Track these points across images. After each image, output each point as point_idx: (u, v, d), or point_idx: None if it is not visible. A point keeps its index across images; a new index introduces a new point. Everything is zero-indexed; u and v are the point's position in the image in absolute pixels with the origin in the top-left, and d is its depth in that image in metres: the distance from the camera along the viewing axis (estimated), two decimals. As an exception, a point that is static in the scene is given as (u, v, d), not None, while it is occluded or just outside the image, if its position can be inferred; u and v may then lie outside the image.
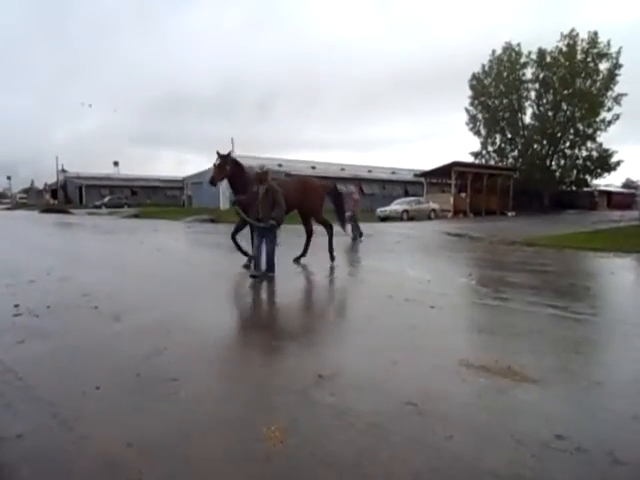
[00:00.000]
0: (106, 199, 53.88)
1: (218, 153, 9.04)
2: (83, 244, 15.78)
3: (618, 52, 41.21)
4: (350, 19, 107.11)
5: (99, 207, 49.40)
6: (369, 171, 51.04)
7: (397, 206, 31.85)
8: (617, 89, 41.62)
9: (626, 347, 5.10)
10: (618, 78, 41.54)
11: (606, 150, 43.50)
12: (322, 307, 7.09)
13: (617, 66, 41.51)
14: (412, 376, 4.09)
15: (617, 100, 41.78)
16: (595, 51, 42.01)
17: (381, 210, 31.46)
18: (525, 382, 3.95)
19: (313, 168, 44.14)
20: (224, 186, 41.17)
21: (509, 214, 37.63)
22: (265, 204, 8.08)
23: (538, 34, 64.47)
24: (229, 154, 9.20)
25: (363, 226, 17.52)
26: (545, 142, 44.87)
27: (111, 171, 65.40)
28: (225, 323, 5.88)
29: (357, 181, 33.18)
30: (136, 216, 32.77)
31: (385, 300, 6.83)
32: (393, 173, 53.26)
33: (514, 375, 4.08)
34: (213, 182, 9.17)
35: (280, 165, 40.89)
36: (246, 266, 9.20)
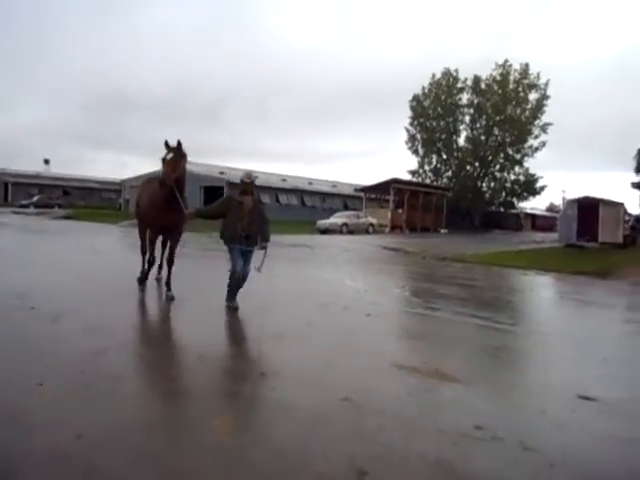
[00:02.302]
0: (35, 198, 50.89)
1: (168, 145, 6.99)
2: (14, 244, 15.03)
3: (546, 84, 44.49)
4: (304, 30, 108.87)
5: (27, 207, 46.61)
6: (310, 183, 51.58)
7: (337, 219, 32.52)
8: (544, 118, 44.85)
9: (538, 354, 5.67)
10: (545, 108, 44.78)
11: (532, 175, 46.59)
12: (264, 313, 7.27)
13: (545, 97, 44.74)
14: (348, 376, 4.38)
15: (544, 128, 44.99)
16: (526, 81, 45.08)
17: (321, 222, 31.96)
18: (450, 382, 4.35)
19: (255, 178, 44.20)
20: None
21: (442, 231, 39.27)
22: (252, 220, 6.61)
23: (475, 61, 68.20)
24: (181, 146, 7.06)
25: (304, 238, 17.84)
26: (477, 164, 47.41)
27: (41, 169, 62.01)
28: (167, 324, 5.94)
29: (298, 192, 33.55)
30: (68, 217, 31.38)
31: (325, 308, 7.12)
32: (334, 186, 54.14)
33: (441, 376, 4.47)
34: (166, 182, 6.77)
35: (222, 173, 40.60)
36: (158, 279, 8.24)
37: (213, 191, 37.55)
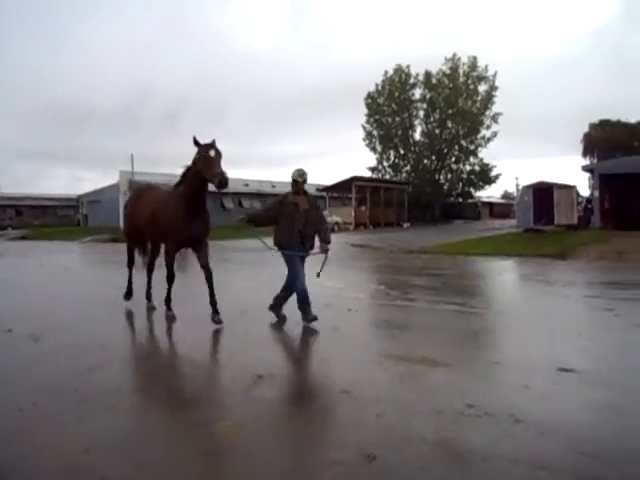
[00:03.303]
0: (-15, 222, 48.86)
1: (198, 142, 5.99)
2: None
3: (494, 75, 45.97)
4: (259, 33, 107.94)
5: (-24, 231, 44.70)
6: (273, 186, 51.51)
7: None
8: (494, 109, 46.31)
9: (514, 333, 5.96)
10: (495, 99, 46.26)
11: (486, 165, 48.01)
12: (248, 316, 7.32)
13: (494, 88, 46.20)
14: (341, 369, 4.51)
15: (494, 119, 46.46)
16: (475, 74, 46.43)
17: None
18: (437, 366, 4.54)
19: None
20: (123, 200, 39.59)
21: (405, 225, 40.00)
22: (309, 222, 6.11)
23: (425, 57, 69.75)
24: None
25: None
26: (434, 158, 48.47)
27: (-9, 191, 59.35)
28: (152, 337, 5.93)
29: (261, 196, 33.49)
30: (24, 238, 30.32)
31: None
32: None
33: (427, 362, 4.66)
34: (222, 182, 5.64)
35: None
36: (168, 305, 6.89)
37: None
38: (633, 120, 49.49)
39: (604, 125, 50.52)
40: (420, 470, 2.83)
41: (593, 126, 51.23)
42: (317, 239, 6.29)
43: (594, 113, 68.12)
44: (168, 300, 6.54)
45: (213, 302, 6.11)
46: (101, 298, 8.24)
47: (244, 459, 2.99)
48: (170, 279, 6.47)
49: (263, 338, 5.73)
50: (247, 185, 47.77)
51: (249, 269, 13.00)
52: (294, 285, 6.07)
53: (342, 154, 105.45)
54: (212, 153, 5.86)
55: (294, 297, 6.12)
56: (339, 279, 10.53)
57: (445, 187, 49.12)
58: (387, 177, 48.14)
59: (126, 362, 5.00)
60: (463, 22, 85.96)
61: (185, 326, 6.22)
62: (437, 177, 48.51)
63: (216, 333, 5.92)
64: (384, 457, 2.93)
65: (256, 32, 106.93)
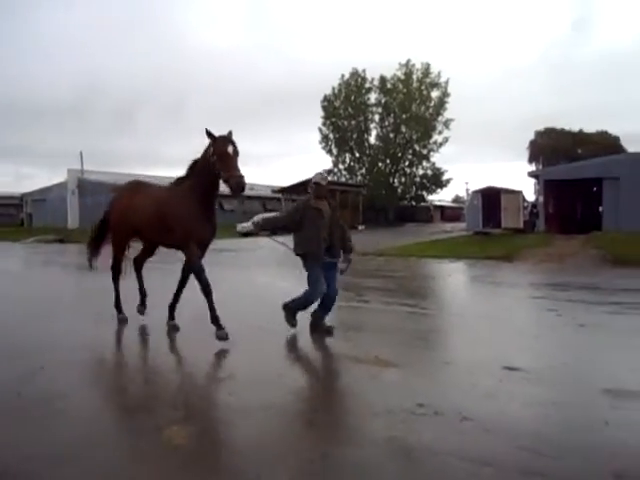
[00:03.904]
0: None
1: (212, 134, 5.31)
2: None
3: (447, 82, 47.23)
4: (218, 32, 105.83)
5: None
6: (251, 189, 50.87)
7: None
8: (446, 115, 47.58)
9: (463, 333, 6.16)
10: (447, 105, 47.53)
11: (438, 169, 49.26)
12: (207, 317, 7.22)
13: (446, 94, 47.47)
14: (297, 372, 4.55)
15: (446, 124, 47.71)
16: (428, 80, 47.56)
17: (242, 226, 31.76)
18: (390, 367, 4.64)
19: (170, 184, 42.74)
20: (74, 200, 37.83)
21: (360, 227, 40.40)
22: (333, 229, 5.78)
23: (381, 62, 70.96)
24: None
25: (227, 242, 17.73)
26: (388, 161, 49.30)
27: None
28: (104, 338, 5.75)
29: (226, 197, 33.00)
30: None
31: (265, 309, 7.21)
32: (251, 189, 53.80)
33: (381, 362, 4.75)
34: (239, 185, 5.07)
35: (134, 180, 38.97)
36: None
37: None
38: (576, 128, 52.13)
39: (549, 133, 52.85)
40: (370, 468, 2.89)
41: (539, 134, 53.49)
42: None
43: (541, 121, 71.24)
44: (215, 318, 5.40)
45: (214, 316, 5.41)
46: (47, 300, 7.94)
47: (187, 463, 2.96)
48: (206, 289, 5.40)
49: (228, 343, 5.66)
50: None
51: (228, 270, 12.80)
52: (312, 297, 5.70)
53: (299, 155, 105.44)
54: (230, 149, 5.18)
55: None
56: (295, 281, 10.54)
57: (399, 190, 50.04)
58: (343, 180, 48.56)
59: (73, 365, 4.83)
60: (418, 29, 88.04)
61: (138, 328, 6.08)
62: (391, 180, 49.35)
63: (169, 335, 5.81)
64: (336, 457, 2.98)
65: (216, 29, 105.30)
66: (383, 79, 48.49)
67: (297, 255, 5.80)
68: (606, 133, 51.20)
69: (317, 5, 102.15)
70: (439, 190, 50.84)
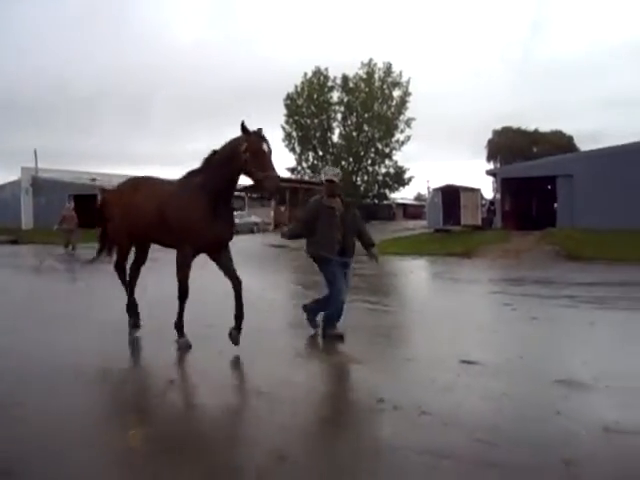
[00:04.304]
0: None
1: (247, 129, 4.85)
2: None
3: (408, 82, 47.94)
4: (184, 26, 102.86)
5: None
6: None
7: None
8: (408, 114, 48.30)
9: (423, 329, 6.29)
10: (408, 104, 48.24)
11: (401, 167, 49.98)
12: (169, 317, 7.09)
13: (407, 94, 48.19)
14: (259, 370, 4.53)
15: (408, 123, 48.49)
16: (390, 80, 48.17)
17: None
18: (352, 363, 4.70)
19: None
20: (28, 200, 36.40)
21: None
22: (350, 228, 5.55)
23: (343, 60, 71.17)
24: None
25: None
26: (351, 160, 49.67)
27: None
28: (60, 341, 5.57)
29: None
30: None
31: (225, 308, 7.14)
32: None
33: (342, 359, 4.80)
34: (277, 190, 5.37)
35: (94, 180, 37.86)
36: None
37: (84, 200, 34.97)
38: (532, 128, 53.86)
39: (506, 132, 54.36)
40: (331, 466, 2.91)
41: (497, 133, 54.95)
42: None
43: (499, 120, 73.14)
44: (180, 323, 5.17)
45: (239, 316, 5.09)
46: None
47: (147, 456, 2.92)
48: (183, 295, 5.18)
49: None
50: None
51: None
52: (335, 301, 5.40)
53: None
54: (265, 147, 4.83)
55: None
56: (258, 280, 10.50)
57: (362, 189, 50.48)
58: (306, 178, 48.60)
59: (29, 370, 4.66)
60: (379, 29, 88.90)
61: (96, 332, 5.92)
62: (354, 179, 49.73)
63: (126, 337, 5.69)
64: (296, 456, 2.99)
65: (180, 23, 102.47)
66: (345, 78, 48.81)
67: (310, 256, 5.55)
68: (560, 132, 53.08)
69: (283, 1, 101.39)
70: (401, 188, 51.63)
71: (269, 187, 4.78)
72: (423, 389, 4.10)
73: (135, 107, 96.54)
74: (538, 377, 4.39)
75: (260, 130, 4.92)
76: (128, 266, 5.99)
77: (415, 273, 12.72)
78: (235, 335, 5.00)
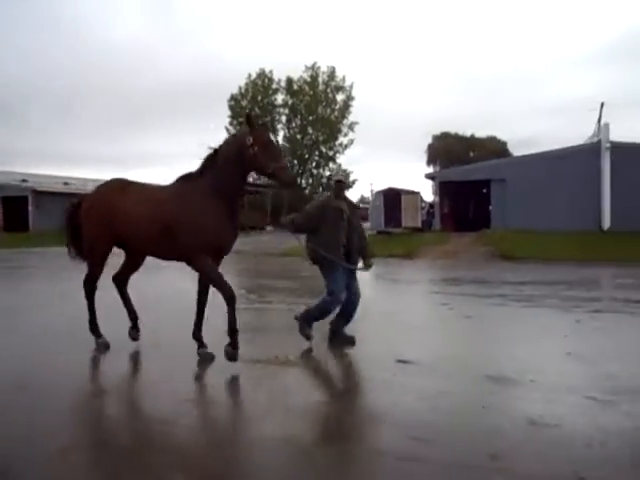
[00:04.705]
0: None
1: (252, 120, 4.65)
2: None
3: (351, 86, 48.62)
4: (122, 23, 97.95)
5: None
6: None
7: None
8: (351, 118, 48.99)
9: (359, 330, 6.36)
10: (352, 109, 48.92)
11: (344, 170, 50.49)
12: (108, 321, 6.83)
13: (350, 98, 48.87)
14: (193, 376, 4.45)
15: (351, 127, 49.16)
16: (333, 84, 48.68)
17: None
18: (290, 367, 4.71)
19: (66, 184, 39.50)
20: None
21: (268, 229, 40.38)
22: (356, 232, 5.41)
23: (288, 62, 71.23)
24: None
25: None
26: (296, 162, 49.74)
27: None
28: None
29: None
30: None
31: (166, 311, 6.98)
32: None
33: (281, 362, 4.79)
34: (290, 180, 5.00)
35: (25, 180, 35.85)
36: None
37: (14, 202, 33.07)
38: (469, 133, 56.04)
39: (445, 137, 56.26)
40: (268, 469, 2.91)
41: (436, 138, 56.74)
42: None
43: (439, 126, 75.51)
44: (234, 332, 4.66)
45: (197, 330, 4.94)
46: None
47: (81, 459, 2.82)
48: (231, 299, 4.71)
49: (119, 351, 5.39)
50: (67, 184, 43.66)
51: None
52: (331, 306, 5.25)
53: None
54: (273, 138, 4.60)
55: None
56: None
57: (307, 191, 50.66)
58: (250, 180, 48.19)
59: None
60: (324, 33, 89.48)
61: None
62: (299, 182, 49.84)
63: (38, 339, 5.44)
64: (234, 459, 2.97)
65: (117, 20, 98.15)
66: (290, 80, 48.87)
67: (312, 262, 5.33)
68: (495, 138, 55.50)
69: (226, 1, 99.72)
70: (345, 191, 52.25)
71: (286, 178, 4.55)
72: (360, 389, 4.19)
73: (69, 105, 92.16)
74: (469, 374, 4.56)
75: (265, 122, 4.60)
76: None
77: (357, 274, 12.92)
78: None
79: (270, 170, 4.45)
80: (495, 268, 13.27)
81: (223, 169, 4.58)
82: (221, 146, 4.74)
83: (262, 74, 48.86)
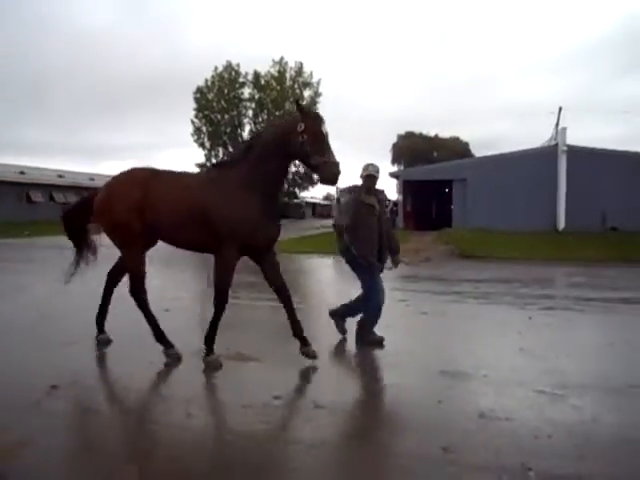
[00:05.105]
0: None
1: (303, 107, 4.63)
2: None
3: (318, 82, 48.55)
4: (89, 9, 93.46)
5: None
6: (92, 179, 46.81)
7: None
8: (319, 114, 48.88)
9: (317, 326, 6.43)
10: (319, 105, 48.84)
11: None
12: (72, 320, 6.65)
13: (318, 94, 48.82)
14: (153, 372, 4.39)
15: (318, 123, 49.05)
16: (301, 79, 48.49)
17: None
18: (250, 362, 4.71)
19: (22, 173, 38.08)
20: None
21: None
22: (385, 228, 5.29)
23: (255, 56, 70.51)
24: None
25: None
26: (262, 157, 49.43)
27: None
28: None
29: (78, 189, 30.85)
30: None
31: (124, 307, 6.84)
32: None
33: (242, 358, 4.80)
34: (334, 175, 4.37)
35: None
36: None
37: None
38: (433, 133, 57.01)
39: (410, 137, 57.06)
40: (221, 468, 2.91)
41: (401, 137, 57.49)
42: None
43: (404, 125, 76.51)
44: (211, 337, 4.60)
45: (299, 330, 4.79)
46: None
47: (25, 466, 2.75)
48: (222, 304, 4.69)
49: (62, 345, 5.25)
50: (62, 177, 42.69)
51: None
52: (374, 307, 5.20)
53: (174, 148, 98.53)
54: (325, 129, 4.34)
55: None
56: (162, 279, 10.15)
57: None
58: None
59: None
60: (292, 29, 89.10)
61: None
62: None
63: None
64: (191, 457, 2.95)
65: (88, 7, 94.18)
66: (257, 75, 48.43)
67: (347, 260, 5.21)
68: (458, 139, 56.68)
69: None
70: (311, 187, 52.22)
71: (329, 175, 4.27)
72: (317, 384, 4.24)
73: (34, 94, 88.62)
74: (426, 369, 4.68)
75: (317, 111, 4.28)
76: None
77: (320, 271, 12.98)
78: (309, 351, 4.62)
79: (314, 162, 4.26)
80: (454, 266, 13.58)
81: (264, 156, 4.39)
82: (265, 129, 4.51)
83: (229, 67, 48.25)
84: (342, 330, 5.52)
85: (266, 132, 4.56)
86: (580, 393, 4.06)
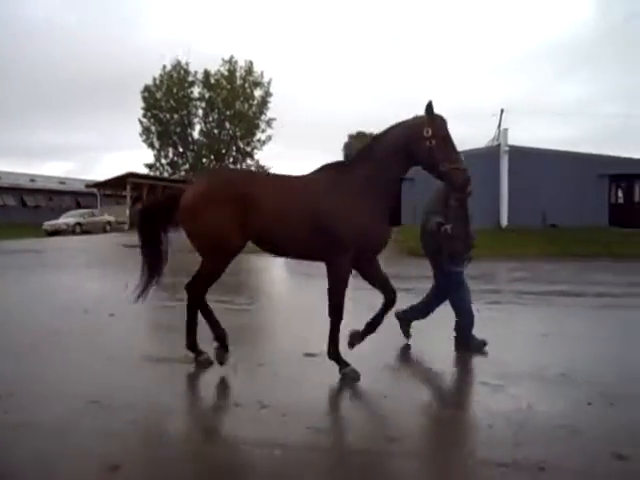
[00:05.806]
0: None
1: (432, 109, 4.12)
2: None
3: (269, 82, 48.42)
4: (36, 4, 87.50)
5: None
6: (32, 180, 44.92)
7: (68, 219, 30.31)
8: (269, 114, 48.81)
9: (269, 326, 6.48)
10: (269, 105, 48.74)
11: (262, 166, 50.35)
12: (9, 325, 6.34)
13: (268, 94, 48.68)
14: (96, 377, 4.28)
15: (269, 123, 48.99)
16: (251, 79, 48.22)
17: (49, 224, 28.96)
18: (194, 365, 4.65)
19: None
20: None
21: (184, 224, 39.22)
22: (469, 231, 5.00)
23: (205, 54, 69.26)
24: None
25: (29, 242, 15.88)
26: (213, 157, 48.81)
27: None
28: None
29: (17, 191, 29.73)
30: None
31: (65, 313, 6.63)
32: (62, 183, 48.35)
33: (187, 361, 4.72)
34: (464, 185, 4.25)
35: None
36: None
37: None
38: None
39: (361, 137, 57.68)
40: (164, 477, 2.87)
41: (352, 137, 58.06)
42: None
43: (356, 125, 77.03)
44: (335, 346, 4.44)
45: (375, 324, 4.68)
46: None
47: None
48: (339, 316, 4.52)
49: (12, 352, 5.03)
50: (33, 181, 40.65)
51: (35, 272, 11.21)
52: (468, 308, 5.10)
53: (123, 149, 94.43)
54: (451, 134, 4.09)
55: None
56: (106, 282, 9.88)
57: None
58: (165, 175, 46.62)
59: None
60: (242, 28, 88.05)
61: None
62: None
63: None
64: (130, 466, 2.90)
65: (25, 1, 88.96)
66: (207, 74, 47.79)
67: (447, 259, 5.02)
68: (408, 139, 57.84)
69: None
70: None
71: (459, 181, 4.06)
72: (265, 384, 4.23)
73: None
74: (371, 364, 4.74)
75: (441, 114, 4.12)
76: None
77: (270, 270, 12.94)
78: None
79: (444, 169, 4.01)
80: (402, 264, 13.84)
81: (385, 160, 4.16)
82: (386, 132, 4.30)
83: (178, 66, 47.37)
84: (407, 335, 5.55)
85: (387, 136, 4.28)
86: (518, 383, 4.23)
